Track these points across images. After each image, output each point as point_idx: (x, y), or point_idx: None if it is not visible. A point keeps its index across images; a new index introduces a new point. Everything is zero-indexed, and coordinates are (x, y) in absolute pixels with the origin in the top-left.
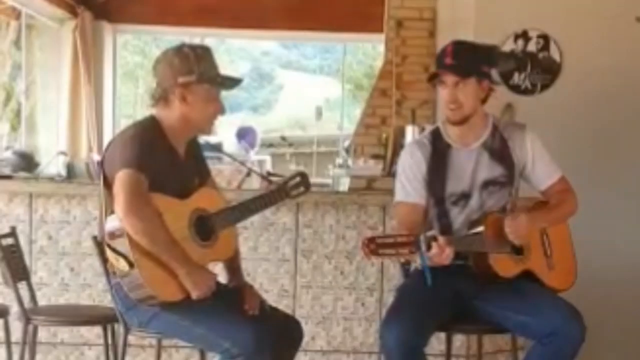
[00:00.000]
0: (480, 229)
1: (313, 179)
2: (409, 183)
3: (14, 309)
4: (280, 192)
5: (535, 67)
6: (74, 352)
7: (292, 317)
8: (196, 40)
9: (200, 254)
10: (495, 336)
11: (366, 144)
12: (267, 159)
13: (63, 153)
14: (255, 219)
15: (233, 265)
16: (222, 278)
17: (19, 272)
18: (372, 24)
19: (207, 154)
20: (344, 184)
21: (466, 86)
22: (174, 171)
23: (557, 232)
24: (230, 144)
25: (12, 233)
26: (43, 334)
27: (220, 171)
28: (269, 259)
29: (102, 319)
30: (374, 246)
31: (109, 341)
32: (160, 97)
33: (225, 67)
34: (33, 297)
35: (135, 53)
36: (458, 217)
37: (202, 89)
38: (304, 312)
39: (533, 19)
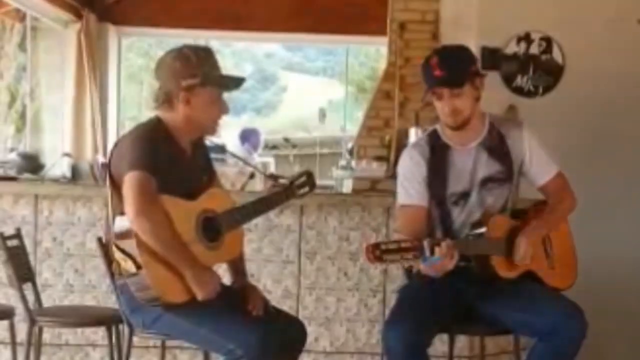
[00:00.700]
0: (483, 230)
1: (316, 181)
2: (410, 186)
3: (19, 310)
4: (286, 191)
5: (538, 69)
6: (79, 353)
7: (295, 318)
8: (200, 42)
9: (207, 255)
10: (497, 337)
11: (369, 146)
12: (271, 160)
13: (68, 155)
14: (259, 220)
15: (237, 266)
16: (226, 279)
17: (24, 273)
18: (375, 26)
19: (212, 155)
20: (347, 186)
21: (462, 93)
22: (181, 172)
23: (557, 231)
24: (234, 146)
25: (17, 234)
26: (48, 335)
27: (224, 173)
28: (272, 261)
29: (106, 320)
30: (379, 252)
31: (114, 342)
32: (164, 101)
33: (229, 69)
34: (38, 298)
35: (140, 55)
36: (459, 216)
37: (206, 91)
38: (308, 313)
39: (536, 21)
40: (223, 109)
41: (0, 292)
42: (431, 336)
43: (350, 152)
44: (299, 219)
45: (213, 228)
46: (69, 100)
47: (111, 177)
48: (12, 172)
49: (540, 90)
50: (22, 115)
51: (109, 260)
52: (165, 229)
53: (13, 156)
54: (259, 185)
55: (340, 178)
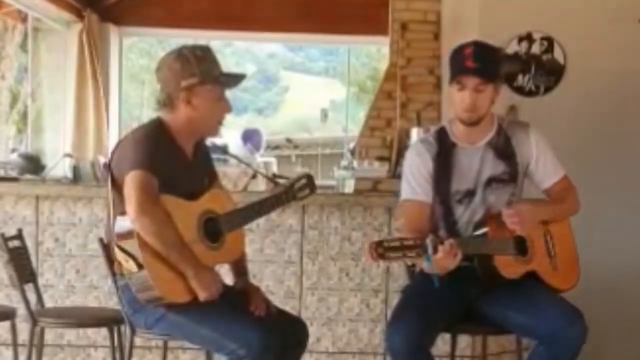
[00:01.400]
0: (485, 229)
1: (318, 181)
2: (416, 181)
3: (21, 311)
4: (286, 194)
5: (539, 69)
6: (81, 354)
7: (297, 319)
8: (202, 43)
9: (209, 256)
10: (500, 337)
11: (371, 146)
12: (273, 161)
13: (69, 155)
14: (261, 221)
15: (239, 267)
16: (228, 280)
17: (26, 274)
18: (377, 26)
19: (213, 156)
20: (349, 186)
21: (486, 90)
22: (183, 173)
23: (560, 232)
24: (236, 147)
25: (19, 235)
26: (49, 335)
27: (226, 174)
28: (274, 261)
29: (108, 320)
30: (382, 250)
31: (115, 343)
32: (165, 102)
33: (231, 70)
34: (40, 299)
35: (141, 56)
36: (463, 215)
37: (206, 90)
38: (310, 314)
39: (537, 21)
40: (225, 107)
41: (2, 293)
42: (434, 336)
43: (352, 153)
44: (301, 219)
45: (214, 229)
46: (71, 101)
47: (112, 177)
48: (13, 173)
49: (542, 89)
50: (24, 116)
51: (110, 260)
52: (167, 228)
53: (14, 157)
54: (261, 186)
55: (342, 178)
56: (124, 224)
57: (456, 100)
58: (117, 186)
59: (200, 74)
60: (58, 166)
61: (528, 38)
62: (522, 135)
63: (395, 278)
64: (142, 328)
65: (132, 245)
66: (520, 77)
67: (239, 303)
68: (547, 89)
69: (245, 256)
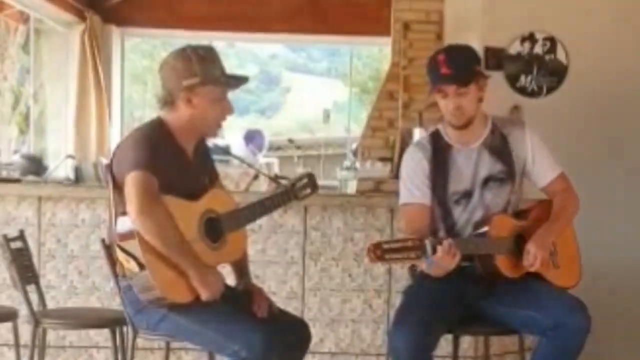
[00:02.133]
0: (485, 229)
1: (320, 182)
2: (413, 184)
3: (23, 312)
4: (288, 193)
5: (542, 69)
6: (83, 355)
7: (300, 320)
8: (204, 43)
9: (210, 256)
10: (502, 337)
11: (373, 147)
12: (275, 161)
13: (71, 156)
14: (263, 221)
15: (241, 267)
16: (230, 280)
17: (28, 275)
18: (379, 26)
19: (215, 156)
20: (352, 187)
21: (468, 92)
22: (183, 173)
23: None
24: (238, 147)
25: (21, 236)
26: (52, 336)
27: (228, 174)
28: (277, 262)
29: (110, 321)
30: (380, 252)
31: (118, 344)
32: (167, 101)
33: (233, 70)
34: (42, 300)
35: (144, 56)
36: (461, 216)
37: (207, 90)
38: (312, 315)
39: (540, 21)
40: (227, 109)
41: (4, 294)
42: (437, 337)
43: (355, 153)
44: (303, 220)
45: (216, 229)
46: (73, 102)
47: (113, 178)
48: (15, 174)
49: (544, 90)
50: (26, 117)
51: (112, 261)
52: (168, 228)
53: (16, 158)
54: (263, 186)
55: (344, 179)
56: (125, 224)
57: (441, 107)
58: (118, 187)
59: (201, 74)
60: (60, 167)
61: (531, 38)
62: (517, 134)
63: (397, 279)
64: (144, 329)
65: (133, 245)
66: (523, 77)
67: (241, 304)
68: (550, 90)
69: (246, 257)
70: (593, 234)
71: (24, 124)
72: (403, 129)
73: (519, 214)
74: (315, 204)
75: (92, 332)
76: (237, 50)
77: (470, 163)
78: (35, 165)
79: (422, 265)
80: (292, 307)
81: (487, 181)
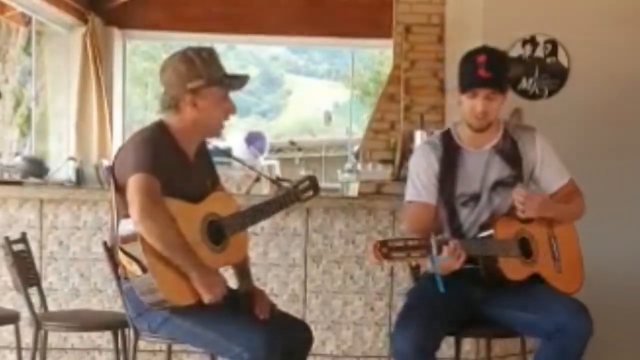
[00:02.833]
0: (490, 232)
1: (322, 184)
2: (421, 183)
3: (25, 314)
4: (290, 196)
5: (543, 72)
6: (85, 357)
7: (302, 322)
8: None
9: (212, 258)
10: (504, 340)
11: (375, 149)
12: (276, 163)
13: (72, 159)
14: (265, 224)
15: (243, 270)
16: (232, 283)
17: (30, 277)
18: (381, 29)
19: (217, 159)
20: (353, 189)
21: (497, 98)
22: (185, 175)
23: (564, 235)
24: (239, 150)
25: (23, 239)
26: (53, 339)
27: (230, 177)
28: (279, 264)
29: (112, 324)
30: (386, 250)
31: (120, 346)
32: (170, 105)
33: (235, 72)
34: (44, 302)
35: (145, 59)
36: (468, 218)
37: (211, 92)
38: (314, 317)
39: (541, 24)
40: (230, 109)
41: (6, 297)
42: (439, 339)
43: (356, 155)
44: (305, 222)
45: (218, 231)
46: (74, 104)
47: (115, 180)
48: (17, 176)
49: (546, 93)
50: (27, 119)
51: (114, 264)
52: (170, 230)
53: (18, 160)
54: (265, 189)
55: (345, 181)
56: (127, 227)
57: (466, 107)
58: (120, 189)
59: (206, 76)
60: (62, 169)
61: (532, 41)
62: (528, 140)
63: (399, 281)
64: (146, 331)
65: (135, 248)
66: (524, 80)
67: (243, 306)
68: (551, 92)
69: (248, 259)
70: (595, 237)
71: (26, 126)
72: (404, 132)
73: (523, 218)
74: (317, 206)
75: (94, 335)
76: (238, 53)
77: (480, 166)
78: (37, 168)
79: (427, 265)
80: (293, 310)
81: (496, 185)
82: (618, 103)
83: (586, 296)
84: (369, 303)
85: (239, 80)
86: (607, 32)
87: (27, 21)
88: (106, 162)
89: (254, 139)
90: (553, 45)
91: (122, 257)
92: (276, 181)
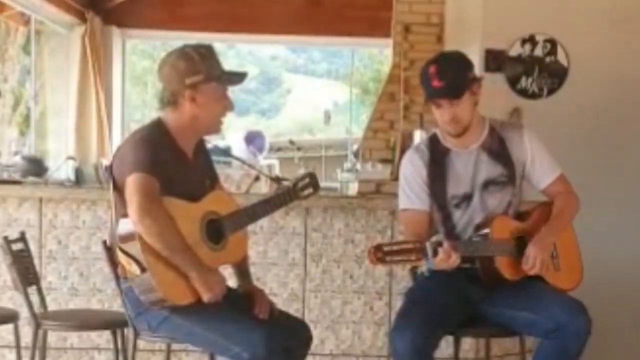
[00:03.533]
0: (486, 231)
1: (321, 183)
2: (411, 190)
3: (24, 313)
4: (290, 193)
5: (543, 71)
6: (84, 357)
7: (301, 321)
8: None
9: (211, 257)
10: (503, 339)
11: (374, 148)
12: (276, 163)
13: (72, 158)
14: (265, 223)
15: (242, 269)
16: (232, 282)
17: (29, 277)
18: (380, 28)
19: (216, 158)
20: (353, 188)
21: (462, 102)
22: (184, 174)
23: (562, 233)
24: (239, 149)
25: (22, 238)
26: (53, 338)
27: (229, 176)
28: (278, 263)
29: (111, 323)
30: (381, 254)
31: (119, 346)
32: (169, 101)
33: (230, 70)
34: (43, 301)
35: (144, 58)
36: (461, 219)
37: (210, 87)
38: (313, 316)
39: (540, 23)
40: (228, 105)
41: (5, 296)
42: (438, 339)
43: (355, 155)
44: (305, 221)
45: (217, 230)
46: (73, 103)
47: (114, 180)
48: (16, 176)
49: (545, 92)
50: (26, 118)
51: (113, 263)
52: (169, 230)
53: (17, 159)
54: (264, 188)
55: (345, 180)
56: (126, 226)
57: (437, 116)
58: (119, 189)
59: (204, 71)
60: (61, 169)
61: (531, 40)
62: (515, 137)
63: (398, 280)
64: (145, 331)
65: (134, 247)
66: (523, 79)
67: (242, 305)
68: (551, 92)
69: (247, 258)
70: (593, 236)
71: (25, 125)
72: (404, 131)
73: (519, 216)
74: (316, 205)
75: (93, 334)
76: (238, 52)
77: (468, 166)
78: (36, 167)
79: (423, 267)
80: (293, 309)
81: (487, 185)
82: (617, 102)
83: (585, 295)
84: (368, 302)
85: (238, 77)
86: (606, 31)
87: (27, 20)
88: (105, 162)
89: (253, 138)
90: (552, 45)
91: (121, 256)
92: (276, 179)
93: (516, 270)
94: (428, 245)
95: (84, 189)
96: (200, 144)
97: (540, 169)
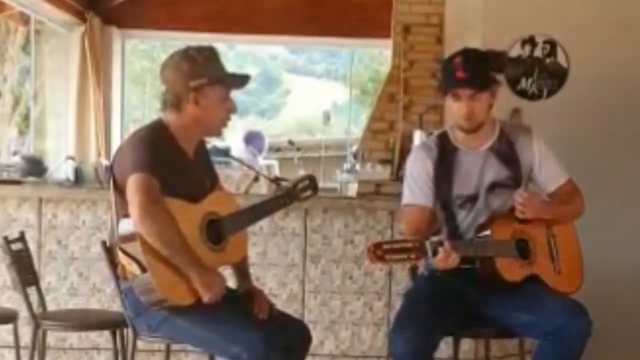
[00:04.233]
0: (487, 232)
1: (321, 184)
2: (417, 186)
3: (23, 313)
4: (289, 195)
5: (542, 72)
6: (83, 357)
7: (300, 322)
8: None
9: (211, 258)
10: (503, 340)
11: (374, 149)
12: (275, 163)
13: (71, 158)
14: (264, 224)
15: (242, 269)
16: (231, 283)
17: (28, 277)
18: (380, 29)
19: (215, 158)
20: (352, 189)
21: (481, 98)
22: (184, 174)
23: (563, 235)
24: (238, 149)
25: (21, 238)
26: (52, 338)
27: (229, 176)
28: (277, 264)
29: (111, 323)
30: (380, 252)
31: (118, 346)
32: (172, 103)
33: (236, 72)
34: (42, 301)
35: (143, 58)
36: (465, 219)
37: (214, 90)
38: (313, 317)
39: (540, 24)
40: (231, 107)
41: (5, 296)
42: (438, 340)
43: (355, 155)
44: (304, 222)
45: (217, 231)
46: (73, 103)
47: (115, 180)
48: (15, 176)
49: (545, 93)
50: (26, 118)
51: (113, 263)
52: (170, 230)
53: (17, 159)
54: (263, 188)
55: (344, 181)
56: (127, 226)
57: (453, 110)
58: (120, 189)
59: (208, 74)
60: (60, 168)
61: (531, 41)
62: (524, 140)
63: (397, 281)
64: (144, 331)
65: (135, 247)
66: (523, 80)
67: (242, 306)
68: (550, 93)
69: (247, 259)
70: (594, 237)
71: (24, 124)
72: (403, 132)
73: (521, 219)
74: (315, 206)
75: (93, 334)
76: (237, 52)
77: (476, 167)
78: (35, 167)
79: (422, 266)
80: (292, 310)
81: (493, 187)
82: (617, 103)
83: (586, 297)
84: (368, 303)
85: (241, 79)
86: (606, 32)
87: (26, 20)
88: (105, 161)
89: (252, 139)
90: (552, 46)
91: (121, 256)
92: (275, 180)
93: (517, 271)
94: (428, 244)
95: (84, 188)
96: (201, 144)
97: (548, 173)
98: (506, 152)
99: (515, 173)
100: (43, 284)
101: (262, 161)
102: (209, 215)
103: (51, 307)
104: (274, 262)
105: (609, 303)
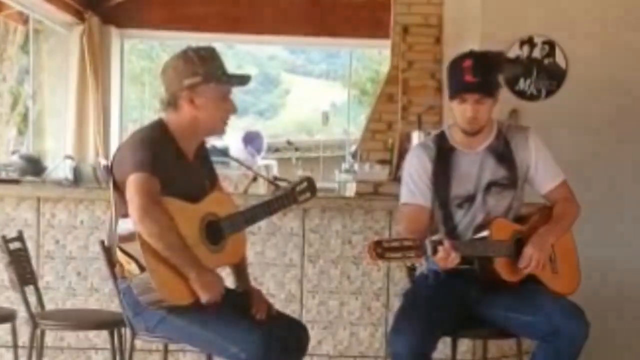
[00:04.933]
0: (486, 233)
1: (319, 184)
2: (415, 185)
3: (21, 313)
4: (287, 197)
5: (541, 73)
6: (81, 356)
7: (298, 322)
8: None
9: (210, 258)
10: (500, 341)
11: (372, 149)
12: (274, 163)
13: (70, 157)
14: (262, 224)
15: (240, 269)
16: (230, 283)
17: (26, 276)
18: (379, 29)
19: (214, 158)
20: (351, 189)
21: (487, 102)
22: (184, 175)
23: (561, 237)
24: (237, 149)
25: (20, 237)
26: (50, 338)
27: (227, 176)
28: (275, 264)
29: (109, 323)
30: (381, 250)
31: (116, 346)
32: (170, 103)
33: (232, 72)
34: (40, 301)
35: (142, 58)
36: (463, 219)
37: (209, 89)
38: (311, 317)
39: (539, 25)
40: (230, 107)
41: (3, 295)
42: (436, 340)
43: (354, 156)
44: (302, 222)
45: (216, 231)
46: (72, 103)
47: (114, 179)
48: (14, 175)
49: (543, 93)
50: (25, 118)
51: (111, 263)
52: (169, 230)
53: (15, 159)
54: (262, 189)
55: (343, 181)
56: (126, 226)
57: (457, 112)
58: (119, 189)
59: (203, 73)
60: (59, 168)
61: (529, 42)
62: (521, 140)
63: (396, 281)
64: (142, 331)
65: (134, 247)
66: (521, 81)
67: (240, 306)
68: (549, 93)
69: (245, 259)
70: (591, 237)
71: (23, 124)
72: (402, 132)
73: (519, 219)
74: (314, 206)
75: (91, 334)
76: (236, 52)
77: (474, 167)
78: (34, 166)
79: (422, 265)
80: (290, 310)
81: (490, 186)
82: (615, 104)
83: (584, 298)
84: (366, 303)
85: (239, 78)
86: (604, 33)
87: (25, 19)
88: (104, 161)
89: (251, 139)
90: (550, 46)
91: (120, 256)
92: (273, 181)
93: (515, 272)
94: (428, 242)
95: (82, 188)
96: (202, 145)
97: (543, 174)
98: (503, 151)
99: (512, 173)
100: (41, 284)
101: (260, 161)
102: (208, 215)
103: (49, 306)
104: (272, 262)
105: (608, 304)
